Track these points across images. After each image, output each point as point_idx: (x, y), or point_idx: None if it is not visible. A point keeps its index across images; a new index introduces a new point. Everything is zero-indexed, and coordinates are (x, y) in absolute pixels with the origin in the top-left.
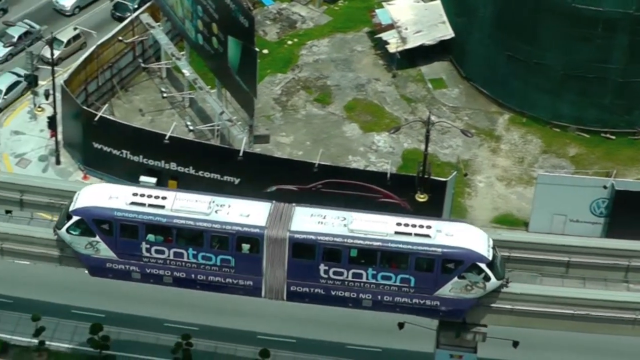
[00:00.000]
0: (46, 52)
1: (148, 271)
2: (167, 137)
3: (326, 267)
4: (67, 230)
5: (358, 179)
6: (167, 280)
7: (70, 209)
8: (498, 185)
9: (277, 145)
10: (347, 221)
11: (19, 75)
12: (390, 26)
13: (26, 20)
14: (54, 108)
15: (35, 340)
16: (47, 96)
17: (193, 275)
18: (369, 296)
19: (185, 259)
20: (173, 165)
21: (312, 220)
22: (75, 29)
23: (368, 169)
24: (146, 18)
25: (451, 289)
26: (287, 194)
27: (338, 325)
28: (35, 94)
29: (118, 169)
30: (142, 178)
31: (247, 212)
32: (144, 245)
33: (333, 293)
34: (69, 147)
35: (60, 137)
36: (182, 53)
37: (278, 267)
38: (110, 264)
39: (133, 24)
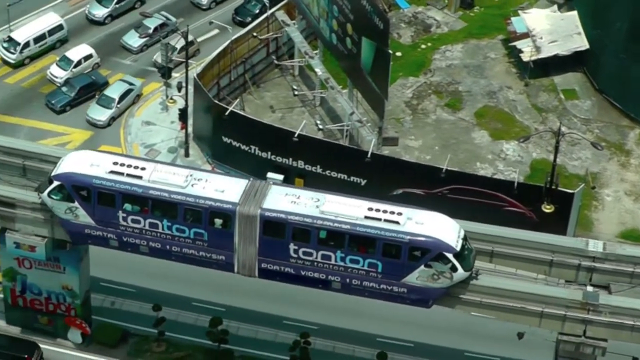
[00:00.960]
0: (158, 58)
1: (125, 239)
2: (296, 135)
3: (296, 247)
4: (49, 195)
5: (485, 186)
6: (143, 249)
7: (52, 173)
8: (626, 200)
9: (406, 148)
10: (319, 202)
11: (130, 83)
12: (525, 35)
13: (163, 12)
14: (186, 100)
15: (155, 331)
16: (179, 88)
17: (168, 247)
18: (337, 278)
19: (160, 230)
20: (301, 164)
21: (285, 200)
22: (210, 23)
23: (495, 176)
24: (281, 15)
25: (418, 277)
26: (414, 197)
27: (457, 332)
28: (168, 85)
29: (246, 164)
30: (269, 175)
31: (222, 188)
32: (120, 214)
33: (303, 273)
34: (199, 140)
35: (190, 129)
36: (315, 52)
37: (249, 244)
38: (89, 230)
39: (268, 21)
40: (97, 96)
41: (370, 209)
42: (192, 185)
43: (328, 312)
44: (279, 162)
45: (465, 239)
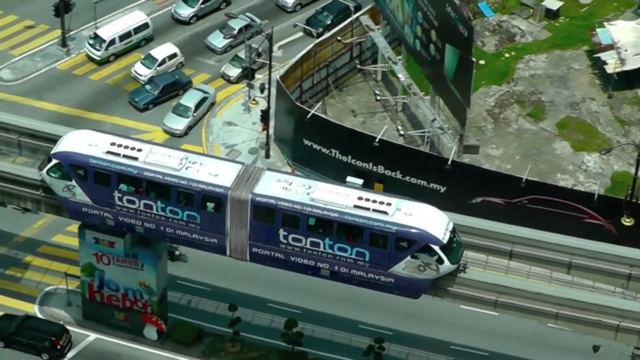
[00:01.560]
0: (228, 71)
1: (120, 219)
2: (377, 140)
3: (285, 233)
4: (47, 172)
5: (565, 197)
6: (138, 229)
7: (52, 152)
8: None
9: (486, 157)
10: (310, 190)
11: (204, 91)
12: (610, 46)
13: (247, 14)
14: (268, 102)
15: (230, 330)
16: (262, 90)
17: (162, 228)
18: (326, 266)
19: (154, 211)
20: (380, 168)
21: (277, 185)
22: (294, 26)
23: (575, 188)
24: (366, 20)
25: (404, 267)
26: (493, 206)
27: (531, 342)
28: (251, 86)
29: (326, 167)
30: (349, 179)
31: (216, 172)
32: (116, 194)
33: (292, 259)
34: (279, 141)
35: (271, 131)
36: (398, 57)
37: (241, 228)
38: (86, 208)
39: (352, 25)
40: (173, 105)
41: (360, 198)
42: (186, 168)
43: (404, 318)
44: (359, 167)
45: (453, 232)
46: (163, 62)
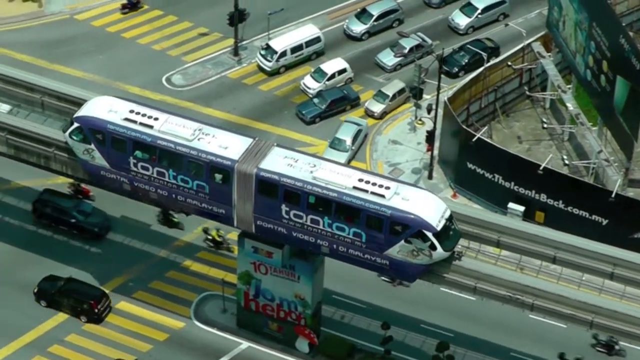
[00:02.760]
0: (372, 106)
1: (136, 184)
2: (541, 168)
3: (287, 208)
4: (69, 135)
5: None
6: (152, 196)
7: (74, 115)
8: None
9: None
10: (314, 169)
11: (357, 123)
12: None
13: (419, 34)
14: (434, 123)
15: (382, 349)
16: (429, 110)
17: (174, 195)
18: (325, 243)
19: (167, 179)
20: (543, 197)
21: (283, 162)
22: (506, 25)
23: None
24: (537, 47)
25: (399, 251)
26: None
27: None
28: (418, 106)
29: (488, 192)
30: (511, 205)
31: (226, 145)
32: (131, 160)
33: (294, 234)
34: (443, 163)
35: (435, 152)
36: (568, 86)
37: (246, 200)
38: (104, 172)
39: (524, 51)
40: (330, 141)
41: (360, 180)
42: (198, 139)
43: (560, 349)
44: (522, 194)
45: (450, 219)
46: (332, 76)
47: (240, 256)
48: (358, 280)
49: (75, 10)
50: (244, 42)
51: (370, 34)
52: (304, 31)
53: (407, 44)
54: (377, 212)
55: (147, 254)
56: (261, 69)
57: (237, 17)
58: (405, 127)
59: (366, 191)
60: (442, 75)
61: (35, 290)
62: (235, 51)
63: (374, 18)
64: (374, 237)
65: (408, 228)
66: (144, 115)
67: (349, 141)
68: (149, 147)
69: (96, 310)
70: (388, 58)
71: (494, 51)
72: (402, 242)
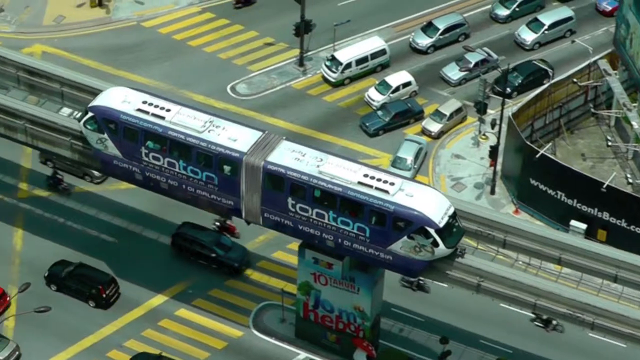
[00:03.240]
0: (429, 125)
1: (147, 174)
2: (604, 186)
3: (293, 202)
4: (84, 124)
5: None
6: (163, 186)
7: (89, 105)
8: None
9: None
10: (321, 163)
11: (417, 142)
12: None
13: (485, 48)
14: (498, 138)
15: None
16: (493, 125)
17: (184, 186)
18: (331, 237)
19: (177, 170)
20: (605, 215)
21: (290, 156)
22: (572, 42)
23: None
24: (604, 64)
25: (401, 247)
26: None
27: None
28: (482, 121)
29: (550, 209)
30: (573, 223)
31: (236, 137)
32: (143, 150)
33: (300, 227)
34: (506, 179)
35: (498, 167)
36: (634, 104)
37: (254, 193)
38: (117, 161)
39: (590, 68)
40: (391, 160)
41: (365, 176)
42: (208, 131)
43: None
44: (584, 211)
45: (453, 217)
46: (397, 89)
47: (301, 267)
48: (417, 293)
49: (143, 18)
50: (309, 53)
51: (435, 47)
52: (369, 43)
53: (473, 58)
54: (381, 208)
55: None
56: (326, 80)
57: (303, 28)
58: (468, 142)
59: (371, 186)
60: (496, 96)
61: (46, 275)
62: (301, 62)
63: (440, 32)
64: (377, 233)
65: (411, 224)
66: (156, 106)
67: (410, 160)
68: (160, 137)
69: (104, 296)
70: (453, 72)
71: (547, 73)
72: (405, 238)
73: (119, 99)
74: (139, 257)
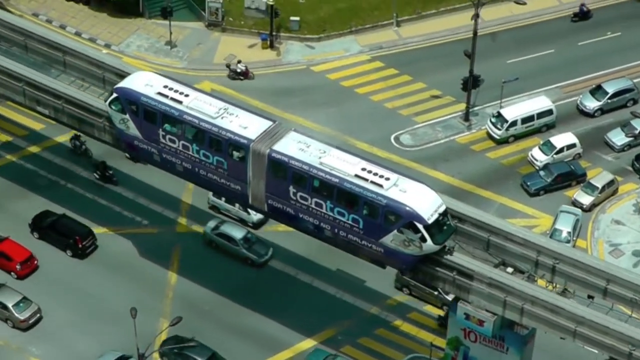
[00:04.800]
0: (581, 198)
1: (164, 157)
2: None
3: (294, 190)
4: (109, 104)
5: None
6: (179, 168)
7: (115, 86)
8: None
9: None
10: (324, 154)
11: (574, 213)
12: None
13: None
14: None
15: None
16: None
17: (197, 169)
18: (328, 227)
19: (191, 153)
20: None
21: (295, 146)
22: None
23: None
24: None
25: (392, 240)
26: None
27: None
28: None
29: None
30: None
31: (246, 125)
32: (160, 132)
33: (300, 215)
34: None
35: None
36: None
37: (260, 179)
38: (137, 142)
39: None
40: (549, 233)
41: (363, 169)
42: (222, 118)
43: None
44: None
45: (444, 214)
46: (561, 150)
47: (452, 321)
48: (569, 356)
49: (312, 62)
50: (475, 108)
51: (603, 111)
52: (536, 102)
53: (639, 125)
54: (374, 201)
55: (358, 309)
56: (490, 137)
57: (471, 83)
58: (630, 208)
59: (366, 180)
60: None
61: (30, 222)
62: (466, 116)
63: (608, 95)
64: (370, 224)
65: (400, 218)
66: (176, 91)
67: (568, 232)
68: (176, 121)
69: (80, 246)
70: (618, 137)
71: None
72: (395, 231)
73: (143, 82)
74: (293, 300)
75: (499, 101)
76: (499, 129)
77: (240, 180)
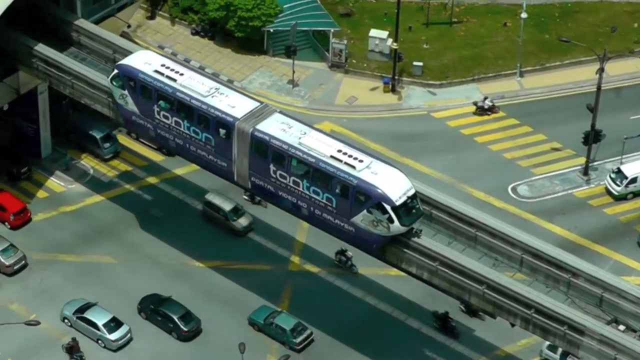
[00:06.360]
0: None
1: (158, 132)
2: None
3: (274, 168)
4: (111, 80)
5: None
6: (172, 144)
7: (117, 63)
8: None
9: None
10: (304, 136)
11: None
12: None
13: None
14: None
15: None
16: None
17: (188, 145)
18: (305, 205)
19: (182, 129)
20: None
21: (278, 126)
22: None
23: None
24: None
25: (362, 220)
26: None
27: None
28: None
29: None
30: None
31: (234, 104)
32: (155, 108)
33: (280, 193)
34: None
35: None
36: None
37: (244, 157)
38: (135, 117)
39: None
40: None
41: (339, 151)
42: (212, 97)
43: None
44: None
45: (413, 198)
46: None
47: None
48: None
49: (433, 108)
50: (595, 163)
51: None
52: None
53: None
54: (346, 181)
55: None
56: (609, 192)
57: (593, 137)
58: None
59: (340, 161)
60: None
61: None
62: (586, 170)
63: None
64: (342, 204)
65: (370, 199)
66: (172, 70)
67: None
68: (169, 98)
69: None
70: None
71: None
72: (365, 211)
73: (143, 60)
74: (398, 344)
75: (619, 157)
76: (618, 185)
77: (226, 157)
